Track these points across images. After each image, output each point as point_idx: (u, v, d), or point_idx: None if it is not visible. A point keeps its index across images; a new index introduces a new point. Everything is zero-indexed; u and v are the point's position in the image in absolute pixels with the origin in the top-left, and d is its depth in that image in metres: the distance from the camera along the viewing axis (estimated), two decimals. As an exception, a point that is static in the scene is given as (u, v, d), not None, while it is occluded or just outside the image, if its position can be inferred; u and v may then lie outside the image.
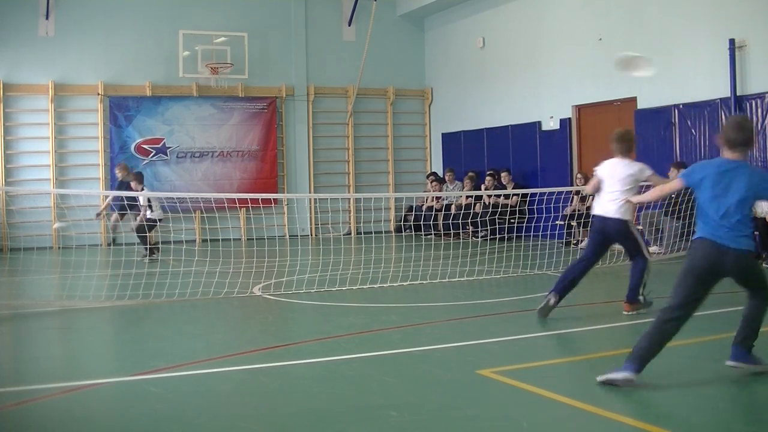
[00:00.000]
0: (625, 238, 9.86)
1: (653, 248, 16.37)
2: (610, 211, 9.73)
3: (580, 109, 19.89)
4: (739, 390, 6.54)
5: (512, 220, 19.69)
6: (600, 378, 6.50)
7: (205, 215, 21.81)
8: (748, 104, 15.75)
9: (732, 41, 15.72)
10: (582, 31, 19.44)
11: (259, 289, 12.56)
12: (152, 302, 11.50)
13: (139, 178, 17.89)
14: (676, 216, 15.93)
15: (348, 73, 23.95)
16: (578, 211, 18.40)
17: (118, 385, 7.08)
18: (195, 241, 21.60)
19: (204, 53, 22.05)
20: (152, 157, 21.98)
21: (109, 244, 17.69)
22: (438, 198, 22.51)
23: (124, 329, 10.28)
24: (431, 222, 21.65)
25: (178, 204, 19.55)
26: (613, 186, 9.86)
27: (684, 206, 15.81)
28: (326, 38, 24.26)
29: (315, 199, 22.06)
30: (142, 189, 17.65)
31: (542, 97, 20.78)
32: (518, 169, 21.22)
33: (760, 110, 15.55)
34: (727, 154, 6.60)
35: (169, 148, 22.17)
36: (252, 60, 22.50)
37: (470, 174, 22.30)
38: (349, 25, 24.49)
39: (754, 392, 6.51)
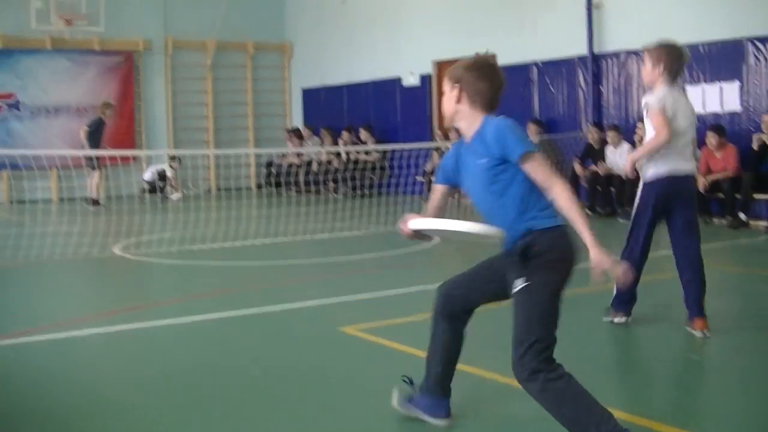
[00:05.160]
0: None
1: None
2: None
3: (440, 64, 20.02)
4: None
5: (372, 177, 19.79)
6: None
7: (61, 173, 21.26)
8: (604, 62, 16.11)
9: (589, 0, 16.03)
10: (442, -14, 19.54)
11: (118, 248, 12.36)
12: (8, 265, 11.19)
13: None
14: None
15: (207, 26, 23.48)
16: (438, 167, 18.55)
17: (-27, 351, 6.91)
18: (52, 200, 21.11)
19: (57, 4, 21.35)
20: (4, 112, 21.33)
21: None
22: (299, 155, 22.43)
23: (-23, 292, 10.02)
24: (292, 179, 21.61)
25: (33, 161, 19.02)
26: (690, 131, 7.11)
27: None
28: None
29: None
30: None
31: (403, 53, 20.84)
32: (378, 126, 21.28)
33: (615, 69, 15.93)
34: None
35: (22, 103, 21.53)
36: (108, 12, 21.87)
37: (325, 130, 22.34)
38: (209, -24, 24.08)
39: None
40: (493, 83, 4.53)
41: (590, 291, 7.74)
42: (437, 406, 4.92)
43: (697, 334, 6.79)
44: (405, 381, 5.04)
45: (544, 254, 4.31)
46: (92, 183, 18.64)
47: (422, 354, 5.11)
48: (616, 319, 7.11)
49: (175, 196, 20.81)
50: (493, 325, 6.19)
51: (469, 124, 4.56)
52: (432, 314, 4.87)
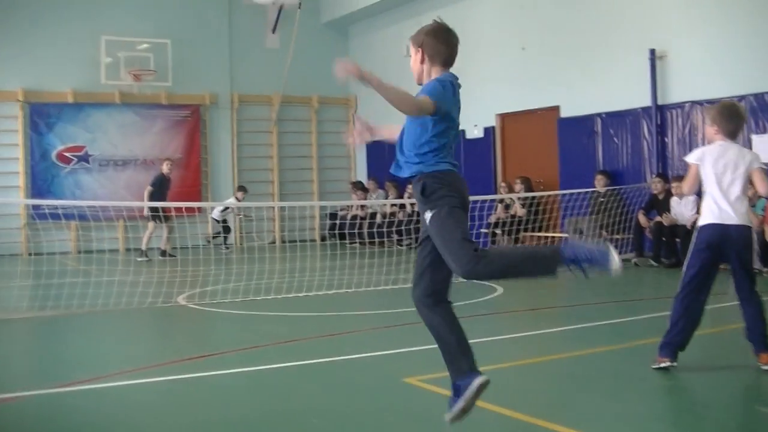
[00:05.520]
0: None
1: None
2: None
3: (503, 117, 20.04)
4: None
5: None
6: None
7: (128, 224, 21.56)
8: (668, 113, 16.00)
9: (653, 51, 15.97)
10: (505, 40, 19.60)
11: (183, 298, 12.45)
12: (74, 312, 11.33)
13: None
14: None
15: (272, 81, 23.85)
16: (502, 219, 18.53)
17: (38, 398, 6.95)
18: (118, 250, 21.37)
19: (127, 60, 21.82)
20: (74, 165, 21.70)
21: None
22: (363, 207, 22.50)
23: (45, 340, 10.11)
24: (356, 231, 21.65)
25: (100, 212, 19.31)
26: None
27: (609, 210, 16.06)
28: (250, 46, 24.15)
29: (239, 208, 21.95)
30: None
31: (466, 106, 20.64)
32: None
33: (680, 119, 15.80)
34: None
35: (92, 155, 21.91)
36: (175, 67, 22.32)
37: (389, 183, 22.39)
38: (273, 33, 24.40)
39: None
40: (448, 44, 5.50)
41: (637, 344, 7.68)
42: (468, 379, 5.27)
43: (764, 367, 6.94)
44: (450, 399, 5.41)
45: (438, 190, 5.21)
46: (146, 234, 19.12)
47: (483, 404, 5.16)
48: (663, 364, 7.04)
49: (239, 218, 21.37)
50: (546, 377, 6.16)
51: (429, 79, 5.53)
52: (423, 314, 5.47)
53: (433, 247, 5.31)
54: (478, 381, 5.22)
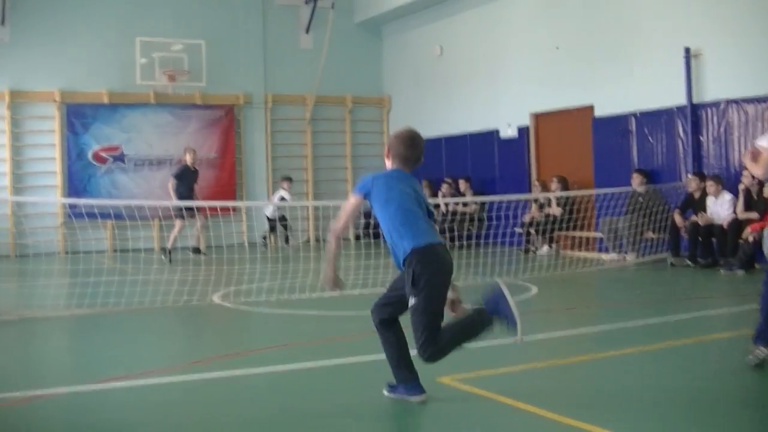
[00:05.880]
0: None
1: (611, 255, 16.48)
2: None
3: (537, 116, 19.99)
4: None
5: (471, 228, 19.70)
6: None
7: (163, 223, 21.63)
8: (703, 112, 15.89)
9: (688, 50, 15.87)
10: (539, 39, 19.55)
11: (217, 297, 12.50)
12: (110, 310, 11.41)
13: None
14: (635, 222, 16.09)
15: (306, 81, 23.89)
16: (536, 218, 18.49)
17: (73, 395, 7.00)
18: (153, 249, 21.47)
19: (161, 61, 21.90)
20: (110, 164, 21.84)
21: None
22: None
23: (81, 338, 10.20)
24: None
25: (136, 212, 19.42)
26: None
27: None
28: (284, 46, 24.21)
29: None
30: None
31: (500, 105, 20.84)
32: (476, 177, 21.24)
33: (715, 118, 15.69)
34: None
35: (127, 155, 22.04)
36: (209, 67, 22.36)
37: (425, 181, 22.38)
38: (307, 33, 24.46)
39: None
40: (408, 148, 6.53)
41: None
42: (413, 388, 6.35)
43: None
44: (389, 384, 6.50)
45: (422, 276, 6.06)
46: (173, 233, 18.57)
47: (517, 404, 5.18)
48: (757, 351, 6.98)
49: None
50: (580, 378, 6.11)
51: None
52: (376, 329, 6.45)
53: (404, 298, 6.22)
54: (417, 399, 6.33)
